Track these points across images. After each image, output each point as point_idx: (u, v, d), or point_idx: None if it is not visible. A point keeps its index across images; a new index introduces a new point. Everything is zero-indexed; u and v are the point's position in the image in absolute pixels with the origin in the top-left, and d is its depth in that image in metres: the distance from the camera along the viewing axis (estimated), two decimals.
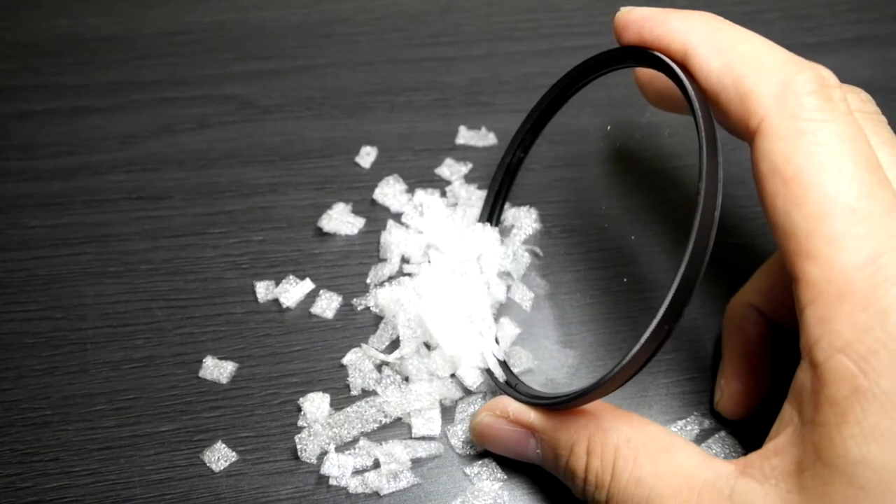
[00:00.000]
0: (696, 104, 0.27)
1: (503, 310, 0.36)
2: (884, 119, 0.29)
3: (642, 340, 0.24)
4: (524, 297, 0.36)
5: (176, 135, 0.42)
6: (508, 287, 0.37)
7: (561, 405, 0.28)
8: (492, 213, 0.38)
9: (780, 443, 0.25)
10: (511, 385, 0.32)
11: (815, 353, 0.23)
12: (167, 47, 0.46)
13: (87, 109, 0.43)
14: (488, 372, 0.33)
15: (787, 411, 0.25)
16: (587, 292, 0.37)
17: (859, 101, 0.29)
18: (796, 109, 0.25)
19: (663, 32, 0.28)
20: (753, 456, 0.25)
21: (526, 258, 0.37)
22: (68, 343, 0.35)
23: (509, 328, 0.35)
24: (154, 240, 0.38)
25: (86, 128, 0.42)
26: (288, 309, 0.36)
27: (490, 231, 0.37)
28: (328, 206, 0.39)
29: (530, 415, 0.30)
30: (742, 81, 0.26)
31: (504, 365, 0.34)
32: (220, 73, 0.45)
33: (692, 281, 0.24)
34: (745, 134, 0.26)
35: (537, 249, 0.38)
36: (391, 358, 0.34)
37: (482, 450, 0.32)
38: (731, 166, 0.41)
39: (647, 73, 0.33)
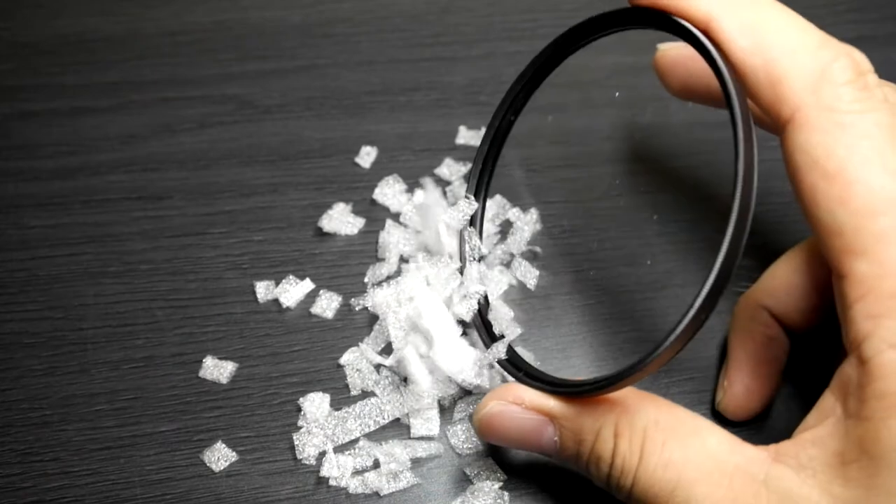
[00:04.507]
0: (729, 79, 0.25)
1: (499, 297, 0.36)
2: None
3: (686, 320, 0.24)
4: (529, 274, 0.36)
5: (176, 135, 0.42)
6: (509, 266, 0.37)
7: (591, 392, 0.27)
8: (479, 184, 0.36)
9: (819, 434, 0.24)
10: (525, 371, 0.31)
11: (865, 349, 0.23)
12: (167, 47, 0.46)
13: (87, 109, 0.43)
14: (500, 363, 0.32)
15: (829, 403, 0.25)
16: (587, 293, 0.37)
17: (892, 93, 0.28)
18: (834, 101, 0.24)
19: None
20: (787, 444, 0.25)
21: (524, 266, 0.37)
22: (68, 343, 0.35)
23: (502, 311, 0.34)
24: (154, 240, 0.38)
25: (86, 128, 0.42)
26: (288, 309, 0.36)
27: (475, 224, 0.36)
28: (328, 206, 0.39)
29: (549, 401, 0.28)
30: (773, 66, 0.25)
31: (511, 351, 0.32)
32: (220, 73, 0.45)
33: (732, 262, 0.23)
34: (773, 120, 0.26)
35: (537, 249, 0.38)
36: (388, 361, 0.34)
37: (482, 450, 0.32)
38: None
39: (669, 59, 0.32)
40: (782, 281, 0.33)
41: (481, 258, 0.35)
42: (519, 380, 0.30)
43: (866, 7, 0.49)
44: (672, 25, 0.27)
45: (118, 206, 0.39)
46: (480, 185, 0.36)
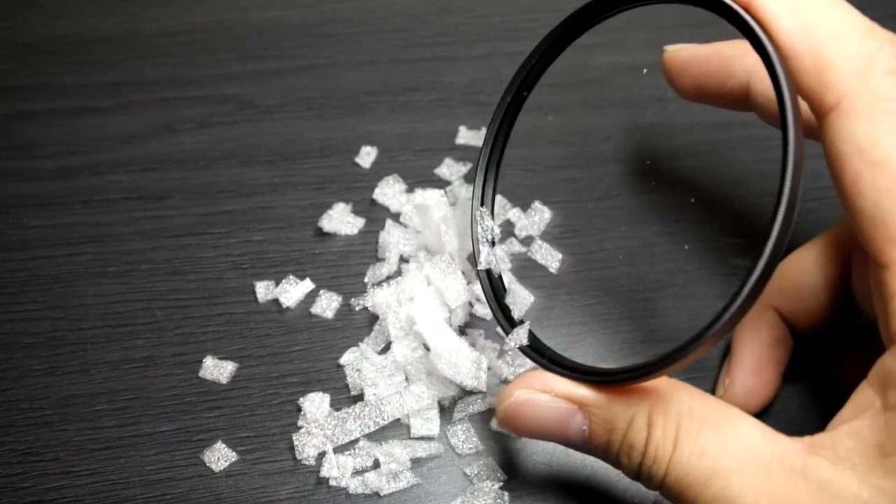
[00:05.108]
0: (776, 61, 0.24)
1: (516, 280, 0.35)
2: None
3: (737, 303, 0.23)
4: (550, 257, 0.36)
5: (176, 135, 0.42)
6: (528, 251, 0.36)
7: (629, 380, 0.26)
8: (490, 160, 0.34)
9: (857, 426, 0.24)
10: (549, 358, 0.29)
11: None
12: (167, 47, 0.46)
13: (87, 109, 0.43)
14: (522, 350, 0.30)
15: (867, 396, 0.24)
16: (587, 293, 0.37)
17: None
18: (880, 89, 0.24)
19: None
20: (821, 436, 0.25)
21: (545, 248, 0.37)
22: (68, 343, 0.35)
23: (521, 294, 0.33)
24: (154, 240, 0.38)
25: (86, 128, 0.42)
26: (288, 309, 0.36)
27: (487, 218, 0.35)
28: (328, 206, 0.39)
29: (580, 388, 0.27)
30: (820, 50, 0.25)
31: (533, 336, 0.31)
32: (220, 73, 0.45)
33: (779, 251, 0.23)
34: (814, 107, 0.25)
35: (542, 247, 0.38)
36: (388, 362, 0.34)
37: (482, 450, 0.32)
38: (729, 167, 0.42)
39: (681, 59, 0.32)
40: (792, 280, 0.32)
41: (494, 240, 0.33)
42: (544, 367, 0.29)
43: (866, 7, 0.49)
44: (710, 1, 0.26)
45: (118, 206, 0.39)
46: (492, 161, 0.34)
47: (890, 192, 0.23)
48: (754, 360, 0.32)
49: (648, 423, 0.26)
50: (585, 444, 0.28)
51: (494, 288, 0.32)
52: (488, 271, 0.32)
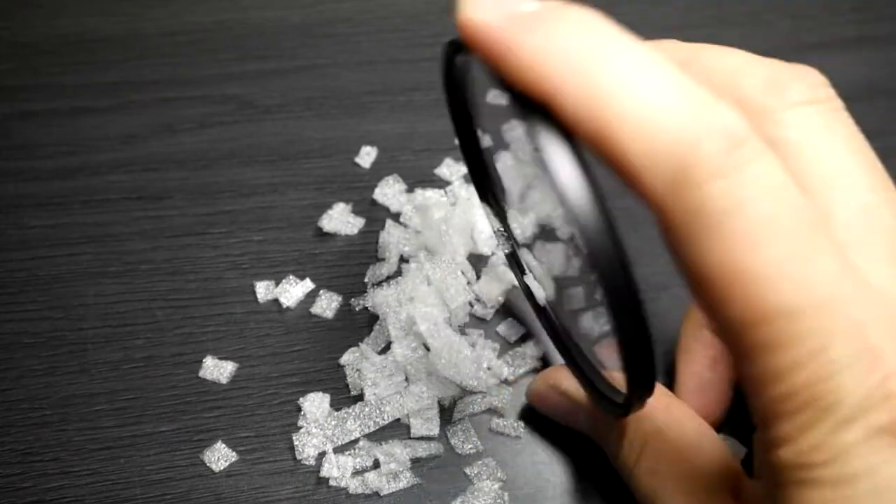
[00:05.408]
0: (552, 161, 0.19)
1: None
2: (840, 105, 0.23)
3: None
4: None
5: (176, 135, 0.42)
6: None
7: (606, 409, 0.27)
8: (465, 155, 0.31)
9: (756, 486, 0.24)
10: (570, 356, 0.30)
11: (765, 434, 0.21)
12: (167, 47, 0.46)
13: (87, 109, 0.43)
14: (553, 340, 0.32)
15: (756, 461, 0.24)
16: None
17: (807, 89, 0.22)
18: (698, 204, 0.19)
19: (516, 65, 0.19)
20: (748, 482, 0.25)
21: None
22: (68, 343, 0.35)
23: (534, 286, 0.33)
24: (154, 240, 0.38)
25: (86, 128, 0.42)
26: (288, 309, 0.36)
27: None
28: (328, 206, 0.39)
29: (579, 390, 0.29)
30: (623, 161, 0.19)
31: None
32: (220, 73, 0.45)
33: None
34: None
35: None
36: (388, 361, 0.34)
37: (482, 450, 0.33)
38: None
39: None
40: None
41: (513, 248, 0.33)
42: (571, 370, 0.30)
43: (866, 7, 0.49)
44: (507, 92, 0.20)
45: (118, 206, 0.39)
46: (468, 153, 0.31)
47: (720, 310, 0.20)
48: (695, 382, 0.31)
49: (620, 435, 0.28)
50: (592, 436, 0.31)
51: (521, 272, 0.34)
52: (511, 255, 0.33)
